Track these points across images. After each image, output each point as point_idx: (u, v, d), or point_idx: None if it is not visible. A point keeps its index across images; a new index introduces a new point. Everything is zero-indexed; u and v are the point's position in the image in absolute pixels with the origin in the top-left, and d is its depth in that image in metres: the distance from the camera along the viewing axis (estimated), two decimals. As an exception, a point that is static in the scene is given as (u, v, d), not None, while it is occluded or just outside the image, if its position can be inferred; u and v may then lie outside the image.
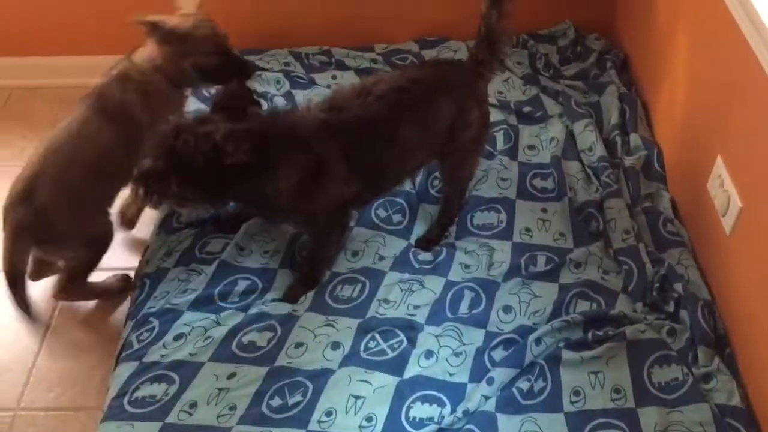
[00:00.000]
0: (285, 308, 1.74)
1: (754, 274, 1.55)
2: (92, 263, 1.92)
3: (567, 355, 1.59)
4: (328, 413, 1.53)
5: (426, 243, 1.92)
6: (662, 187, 1.99)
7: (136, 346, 1.69)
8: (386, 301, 1.76)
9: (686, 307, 1.66)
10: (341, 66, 2.48)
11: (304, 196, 1.70)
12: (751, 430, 1.47)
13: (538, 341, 1.62)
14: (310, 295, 1.78)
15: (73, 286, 1.95)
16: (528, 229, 1.91)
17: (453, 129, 1.80)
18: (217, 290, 1.78)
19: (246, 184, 1.62)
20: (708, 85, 1.79)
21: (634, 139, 2.08)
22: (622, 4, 2.49)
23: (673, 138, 2.03)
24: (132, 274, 2.00)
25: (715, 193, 1.70)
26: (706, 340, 1.61)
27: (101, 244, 1.90)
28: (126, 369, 1.64)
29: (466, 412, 1.52)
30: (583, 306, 1.71)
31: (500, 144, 2.15)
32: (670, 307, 1.68)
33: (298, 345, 1.67)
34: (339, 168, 1.69)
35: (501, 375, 1.58)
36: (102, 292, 2.02)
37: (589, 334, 1.62)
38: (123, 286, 2.02)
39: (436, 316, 1.72)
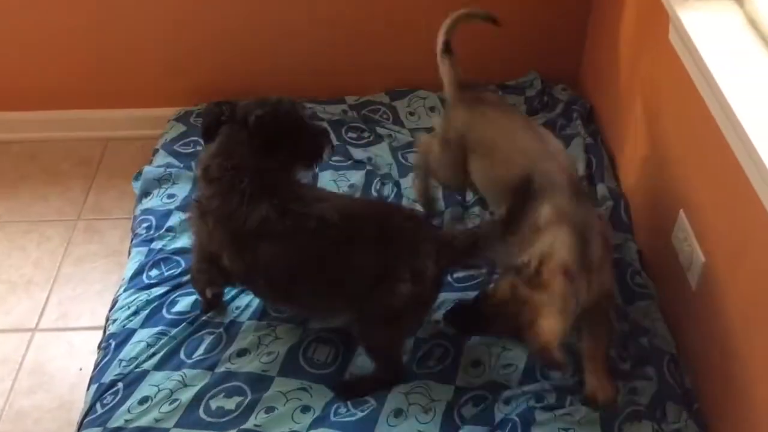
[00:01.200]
0: (252, 366, 1.72)
1: (719, 329, 1.56)
2: None
3: (540, 415, 1.58)
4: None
5: (345, 389, 1.69)
6: (629, 237, 2.00)
7: (99, 411, 1.66)
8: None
9: (652, 363, 1.66)
10: (314, 118, 2.48)
11: None
12: (722, 488, 1.47)
13: (507, 401, 1.61)
14: (282, 352, 1.75)
15: None
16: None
17: (369, 290, 1.58)
18: (183, 346, 1.77)
19: None
20: (669, 140, 1.82)
21: (601, 189, 2.10)
22: (587, 55, 2.54)
23: (638, 189, 2.05)
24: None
25: (679, 247, 1.71)
26: (674, 396, 1.61)
27: None
28: (89, 436, 1.61)
29: None
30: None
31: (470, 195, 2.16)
32: (627, 366, 1.67)
33: (269, 409, 1.64)
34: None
35: None
36: None
37: (567, 401, 1.60)
38: None
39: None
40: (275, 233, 1.58)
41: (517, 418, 1.56)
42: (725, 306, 1.53)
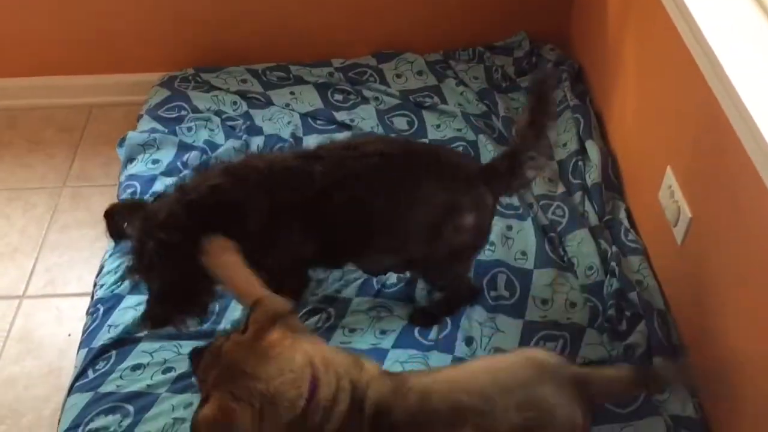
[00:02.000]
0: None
1: (705, 283, 1.57)
2: None
3: None
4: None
5: (421, 319, 1.73)
6: (617, 197, 2.00)
7: (91, 375, 1.66)
8: (351, 330, 1.73)
9: (642, 318, 1.67)
10: (299, 81, 2.47)
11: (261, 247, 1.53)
12: (705, 440, 1.49)
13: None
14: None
15: None
16: (492, 243, 1.88)
17: (436, 229, 1.58)
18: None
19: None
20: (656, 97, 1.81)
21: (590, 147, 2.10)
22: (576, 14, 2.51)
23: (625, 148, 2.05)
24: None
25: (666, 204, 1.71)
26: (662, 350, 1.62)
27: None
28: (80, 399, 1.61)
29: None
30: (550, 345, 1.67)
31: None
32: (623, 326, 1.68)
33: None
34: (291, 224, 1.55)
35: None
36: None
37: None
38: None
39: (404, 341, 1.70)
40: (341, 183, 1.53)
41: None
42: (711, 261, 1.54)
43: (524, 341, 1.69)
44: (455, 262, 1.68)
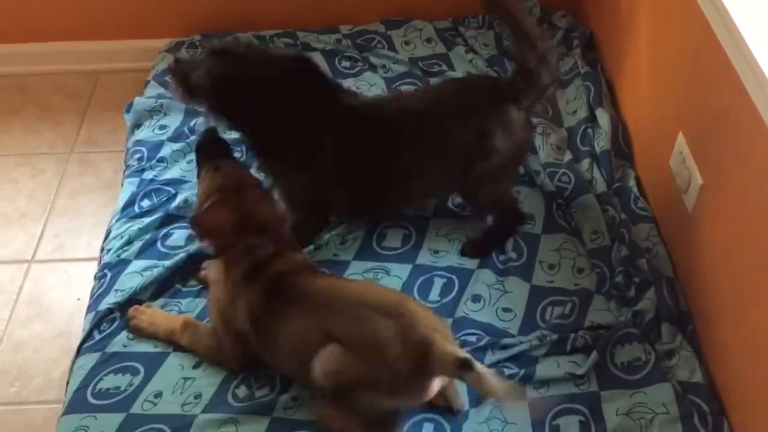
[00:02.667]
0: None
1: (714, 251, 1.56)
2: None
3: (544, 362, 1.57)
4: (294, 398, 1.52)
5: (472, 249, 1.79)
6: (627, 165, 1.99)
7: (97, 337, 1.67)
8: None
9: (651, 285, 1.66)
10: (307, 48, 2.45)
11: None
12: (712, 406, 1.48)
13: (504, 346, 1.60)
14: None
15: None
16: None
17: (469, 158, 1.69)
18: (177, 276, 1.76)
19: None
20: (670, 63, 1.79)
21: (600, 115, 2.08)
22: (587, -20, 2.48)
23: (636, 115, 2.03)
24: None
25: (677, 170, 1.70)
26: (670, 317, 1.62)
27: None
28: (88, 360, 1.62)
29: None
30: (558, 311, 1.67)
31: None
32: (632, 293, 1.67)
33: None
34: (326, 167, 1.68)
35: None
36: None
37: (569, 344, 1.59)
38: None
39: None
40: (375, 132, 1.69)
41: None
42: (721, 229, 1.53)
43: (531, 305, 1.69)
44: (496, 182, 1.75)
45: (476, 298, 1.70)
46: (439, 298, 1.70)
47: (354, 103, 1.75)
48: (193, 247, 1.81)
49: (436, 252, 1.80)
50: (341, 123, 1.69)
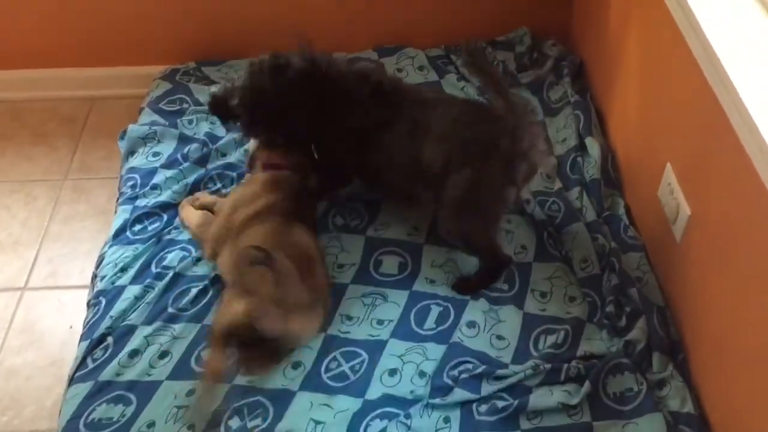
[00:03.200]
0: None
1: (703, 281, 1.57)
2: None
3: (537, 392, 1.58)
4: (290, 432, 1.52)
5: (463, 287, 1.80)
6: (617, 193, 2.01)
7: (90, 365, 1.67)
8: (348, 317, 1.74)
9: (642, 314, 1.67)
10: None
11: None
12: (703, 436, 1.49)
13: (498, 377, 1.61)
14: None
15: None
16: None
17: (444, 175, 1.69)
18: (170, 299, 1.78)
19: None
20: (657, 94, 1.82)
21: (590, 144, 2.10)
22: (578, 9, 2.52)
23: (626, 144, 2.05)
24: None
25: (665, 201, 1.72)
26: (661, 347, 1.63)
27: None
28: (81, 389, 1.62)
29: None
30: (550, 339, 1.68)
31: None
32: (623, 322, 1.69)
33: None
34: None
35: (457, 395, 1.58)
36: None
37: (562, 374, 1.60)
38: None
39: (401, 332, 1.71)
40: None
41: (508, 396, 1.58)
42: (709, 259, 1.54)
43: (524, 333, 1.70)
44: (467, 213, 1.73)
45: (471, 324, 1.71)
46: (435, 326, 1.72)
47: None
48: (182, 266, 1.83)
49: (432, 281, 1.82)
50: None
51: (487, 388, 1.59)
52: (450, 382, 1.61)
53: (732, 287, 1.45)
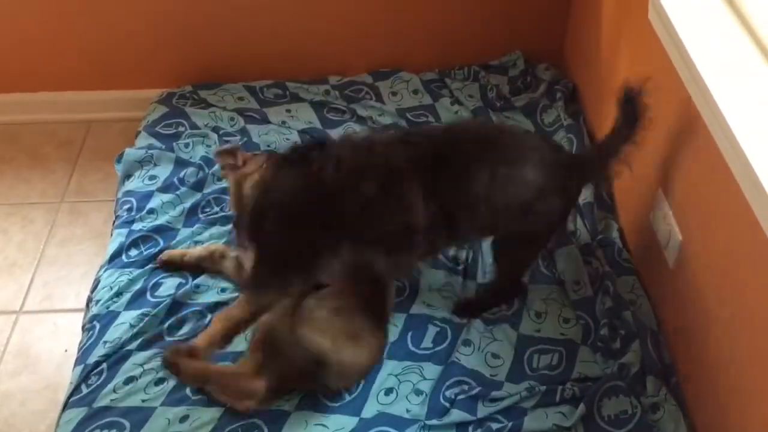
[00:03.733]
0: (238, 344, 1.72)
1: (696, 306, 1.58)
2: None
3: (533, 414, 1.59)
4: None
5: (463, 310, 1.81)
6: (610, 216, 2.02)
7: (84, 391, 1.67)
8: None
9: (636, 337, 1.68)
10: (296, 98, 2.49)
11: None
12: (697, 461, 1.50)
13: (493, 399, 1.62)
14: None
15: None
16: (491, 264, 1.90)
17: (526, 208, 1.64)
18: (166, 326, 1.78)
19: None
20: (649, 119, 1.83)
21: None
22: (570, 33, 2.54)
23: (618, 169, 2.06)
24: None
25: (657, 226, 1.73)
26: (654, 370, 1.63)
27: None
28: (75, 415, 1.62)
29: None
30: (545, 360, 1.70)
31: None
32: (617, 344, 1.70)
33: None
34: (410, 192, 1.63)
35: (454, 416, 1.58)
36: None
37: (557, 395, 1.61)
38: None
39: (398, 352, 1.72)
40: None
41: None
42: (700, 284, 1.55)
43: (519, 354, 1.72)
44: (530, 244, 1.76)
45: (467, 343, 1.73)
46: (432, 345, 1.73)
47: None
48: (179, 293, 1.83)
49: (429, 305, 1.82)
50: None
51: (483, 410, 1.59)
52: (446, 404, 1.61)
53: (724, 313, 1.46)
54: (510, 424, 1.56)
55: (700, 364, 1.57)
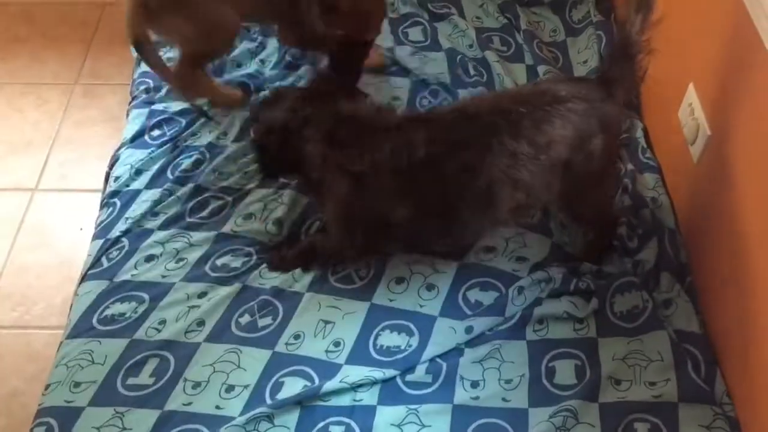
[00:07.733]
0: (260, 234, 1.72)
1: (717, 203, 1.57)
2: (203, 52, 1.92)
3: (546, 302, 1.58)
4: (296, 336, 1.55)
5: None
6: (635, 116, 1.98)
7: (105, 264, 1.68)
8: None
9: (653, 235, 1.67)
10: None
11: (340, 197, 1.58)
12: (706, 355, 1.50)
13: (519, 290, 1.60)
14: (287, 220, 1.76)
15: (183, 72, 1.92)
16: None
17: (569, 164, 1.52)
18: (188, 206, 1.78)
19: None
20: (682, 13, 1.77)
21: (610, 65, 2.06)
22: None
23: (647, 65, 2.01)
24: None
25: (685, 121, 1.70)
26: (670, 267, 1.63)
27: (213, 33, 1.87)
28: (96, 287, 1.64)
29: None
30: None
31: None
32: (634, 243, 1.68)
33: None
34: (390, 180, 1.54)
35: (481, 324, 1.56)
36: (212, 92, 2.00)
37: (571, 285, 1.60)
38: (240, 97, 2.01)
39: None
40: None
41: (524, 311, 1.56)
42: (726, 179, 1.53)
43: (549, 258, 1.68)
44: (596, 188, 1.62)
45: (489, 249, 1.70)
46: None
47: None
48: (201, 178, 1.82)
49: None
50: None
51: (512, 308, 1.58)
52: (463, 305, 1.60)
53: (747, 209, 1.44)
54: (522, 307, 1.57)
55: (717, 262, 1.56)
